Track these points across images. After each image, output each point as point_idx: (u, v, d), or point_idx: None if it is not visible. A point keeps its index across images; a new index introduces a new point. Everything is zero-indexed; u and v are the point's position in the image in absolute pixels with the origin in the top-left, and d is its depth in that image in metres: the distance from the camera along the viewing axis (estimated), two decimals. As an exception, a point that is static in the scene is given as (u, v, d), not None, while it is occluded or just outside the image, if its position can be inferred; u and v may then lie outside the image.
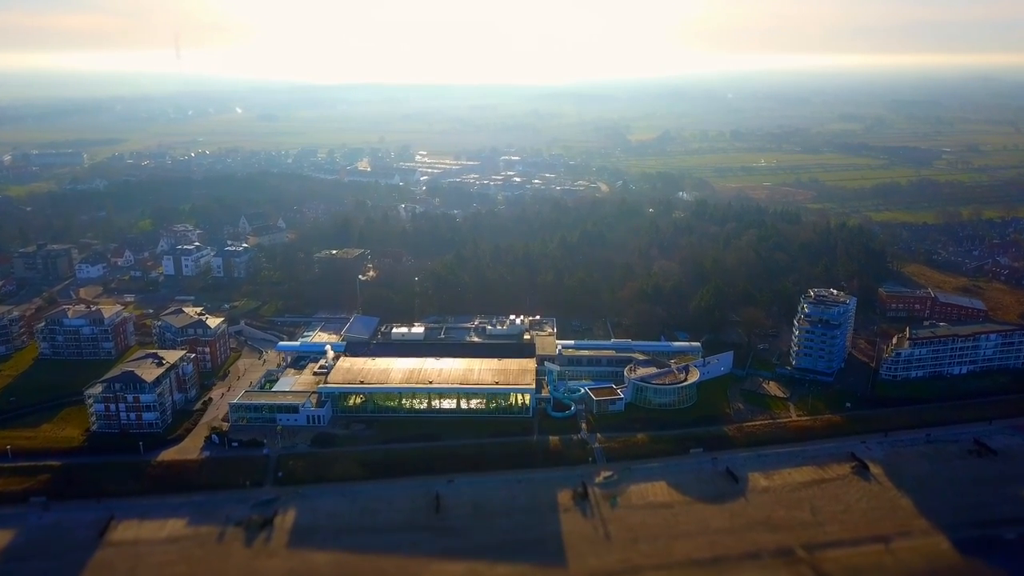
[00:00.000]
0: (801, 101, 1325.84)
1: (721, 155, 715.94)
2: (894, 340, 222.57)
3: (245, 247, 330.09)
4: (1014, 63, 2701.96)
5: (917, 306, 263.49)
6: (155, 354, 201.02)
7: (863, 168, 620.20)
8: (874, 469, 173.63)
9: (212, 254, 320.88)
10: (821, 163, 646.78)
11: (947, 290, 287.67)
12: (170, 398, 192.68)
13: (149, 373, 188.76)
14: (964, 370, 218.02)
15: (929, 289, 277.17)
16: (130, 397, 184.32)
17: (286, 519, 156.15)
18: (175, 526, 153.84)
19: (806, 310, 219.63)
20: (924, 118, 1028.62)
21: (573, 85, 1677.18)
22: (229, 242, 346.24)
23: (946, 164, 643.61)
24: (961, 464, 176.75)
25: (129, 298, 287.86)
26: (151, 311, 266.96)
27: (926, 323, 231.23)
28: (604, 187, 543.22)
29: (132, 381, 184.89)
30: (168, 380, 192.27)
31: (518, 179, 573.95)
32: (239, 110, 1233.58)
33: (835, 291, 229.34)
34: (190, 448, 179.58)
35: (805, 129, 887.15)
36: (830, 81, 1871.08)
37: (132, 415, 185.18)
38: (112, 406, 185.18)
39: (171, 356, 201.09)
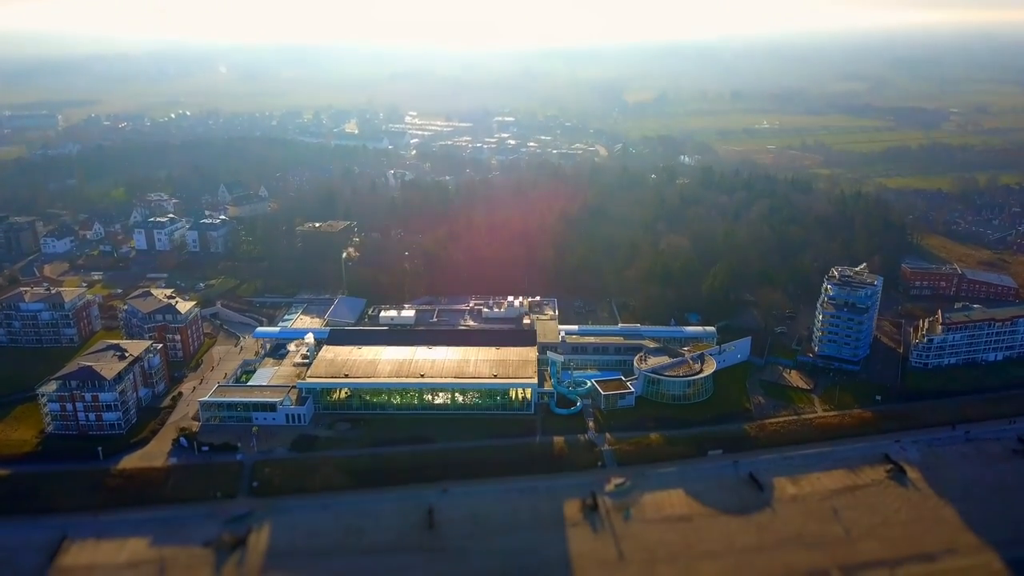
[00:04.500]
0: (799, 60, 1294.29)
1: (722, 116, 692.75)
2: (924, 324, 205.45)
3: (223, 219, 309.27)
4: (1015, 20, 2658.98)
5: (943, 283, 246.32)
6: (117, 345, 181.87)
7: (870, 131, 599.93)
8: (911, 473, 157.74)
9: (187, 227, 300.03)
10: (826, 125, 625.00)
11: (971, 264, 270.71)
12: (134, 395, 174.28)
13: (109, 368, 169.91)
14: (999, 356, 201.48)
15: (955, 265, 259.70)
16: (88, 396, 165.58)
17: (261, 538, 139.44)
18: (136, 547, 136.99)
19: (830, 292, 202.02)
20: (927, 77, 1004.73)
21: (564, 47, 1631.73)
22: (207, 213, 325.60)
23: (955, 126, 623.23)
24: (1006, 467, 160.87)
25: (97, 276, 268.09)
26: (120, 291, 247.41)
27: (957, 305, 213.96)
28: (603, 151, 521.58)
29: (90, 378, 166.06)
30: (131, 375, 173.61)
31: (512, 142, 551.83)
32: (223, 69, 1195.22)
33: (860, 270, 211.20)
34: (156, 453, 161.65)
35: (806, 89, 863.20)
36: (827, 39, 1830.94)
37: (91, 415, 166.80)
38: (69, 405, 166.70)
39: (135, 347, 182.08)
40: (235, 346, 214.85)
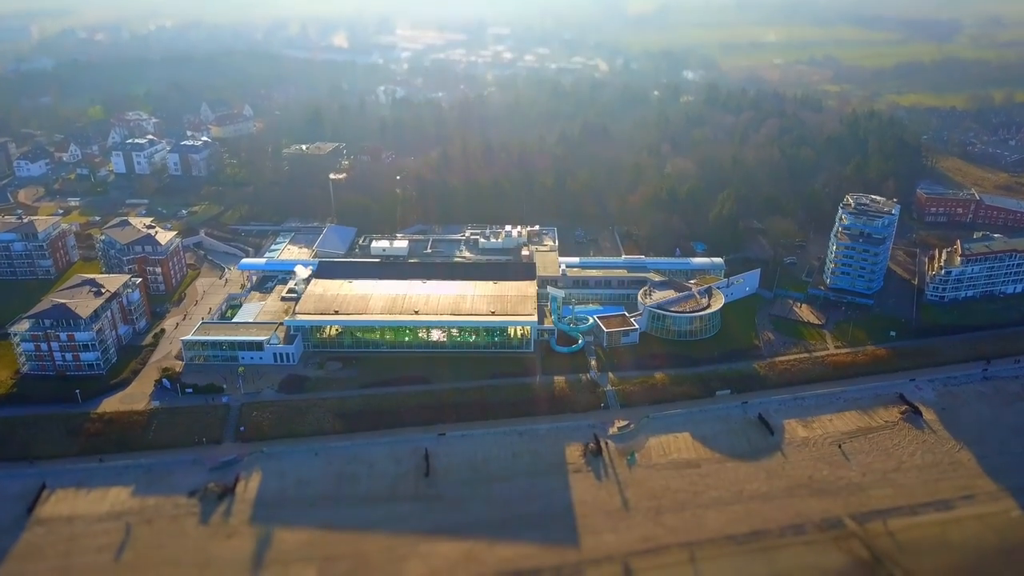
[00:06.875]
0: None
1: (726, 28, 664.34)
2: (940, 254, 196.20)
3: (205, 141, 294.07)
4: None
5: (960, 210, 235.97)
6: (93, 280, 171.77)
7: (880, 44, 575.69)
8: (927, 415, 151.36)
9: (167, 149, 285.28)
10: (835, 38, 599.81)
11: (988, 188, 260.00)
12: (113, 333, 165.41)
13: (85, 306, 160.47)
14: (1018, 288, 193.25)
15: (972, 190, 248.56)
16: (63, 335, 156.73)
17: (249, 487, 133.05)
18: (118, 496, 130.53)
19: (845, 221, 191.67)
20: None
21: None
22: (189, 133, 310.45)
23: (968, 39, 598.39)
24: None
25: (74, 202, 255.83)
26: (97, 219, 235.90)
27: (977, 234, 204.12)
28: (603, 65, 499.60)
29: (64, 316, 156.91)
30: (109, 312, 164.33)
31: (508, 55, 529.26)
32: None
33: (877, 198, 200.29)
34: (137, 395, 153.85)
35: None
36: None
37: (68, 355, 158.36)
38: (43, 345, 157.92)
39: (112, 282, 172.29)
40: (220, 278, 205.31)
